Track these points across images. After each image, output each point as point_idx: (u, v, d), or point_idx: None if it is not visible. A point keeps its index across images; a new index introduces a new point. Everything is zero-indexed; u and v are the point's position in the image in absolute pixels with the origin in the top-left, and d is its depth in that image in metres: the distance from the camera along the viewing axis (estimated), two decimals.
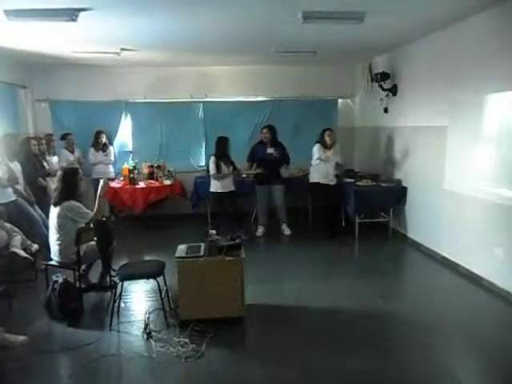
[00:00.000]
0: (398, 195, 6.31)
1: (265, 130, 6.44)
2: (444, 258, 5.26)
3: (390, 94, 6.57)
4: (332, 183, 6.31)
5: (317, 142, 6.26)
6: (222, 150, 6.09)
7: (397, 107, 6.50)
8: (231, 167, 6.15)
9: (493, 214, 4.38)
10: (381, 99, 6.81)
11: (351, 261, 5.66)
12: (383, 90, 6.58)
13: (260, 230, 6.65)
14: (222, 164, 6.04)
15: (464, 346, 3.44)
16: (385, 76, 6.47)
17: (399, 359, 3.23)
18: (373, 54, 6.84)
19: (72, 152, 6.92)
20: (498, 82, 4.21)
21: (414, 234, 6.12)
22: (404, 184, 6.32)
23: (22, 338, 3.44)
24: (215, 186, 6.15)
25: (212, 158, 6.10)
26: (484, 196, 4.50)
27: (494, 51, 4.28)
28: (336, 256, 5.68)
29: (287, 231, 6.65)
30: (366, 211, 6.55)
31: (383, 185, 6.44)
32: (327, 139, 6.19)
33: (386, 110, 6.79)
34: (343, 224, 7.02)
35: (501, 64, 4.17)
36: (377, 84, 6.65)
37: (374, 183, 6.51)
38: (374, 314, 3.99)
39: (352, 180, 6.73)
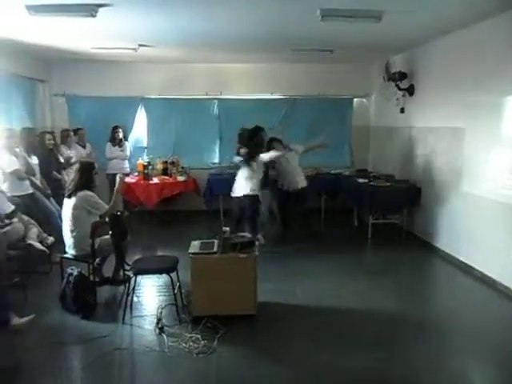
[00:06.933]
0: (412, 196, 6.24)
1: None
2: (458, 260, 5.19)
3: (407, 94, 6.50)
4: None
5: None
6: None
7: (413, 107, 6.43)
8: None
9: (510, 217, 4.32)
10: (397, 99, 6.74)
11: (363, 261, 5.63)
12: (400, 89, 6.51)
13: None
14: None
15: (477, 350, 3.39)
16: (402, 76, 6.41)
17: (410, 361, 3.21)
18: (390, 53, 6.77)
19: (83, 147, 7.00)
20: None
21: (428, 235, 6.04)
22: (418, 185, 6.25)
23: (27, 318, 3.50)
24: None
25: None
26: (502, 199, 4.42)
27: None
28: (348, 256, 5.64)
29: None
30: (380, 212, 6.50)
31: (397, 185, 6.38)
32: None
33: (402, 110, 6.72)
34: (356, 224, 6.99)
35: None
36: (393, 84, 6.59)
37: (388, 183, 6.45)
38: (386, 315, 3.97)
39: (366, 180, 6.68)
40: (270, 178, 6.02)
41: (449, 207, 5.46)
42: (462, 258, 5.15)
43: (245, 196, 5.30)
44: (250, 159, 5.31)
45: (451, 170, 5.37)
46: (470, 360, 3.30)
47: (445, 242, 5.57)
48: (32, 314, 3.56)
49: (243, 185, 5.33)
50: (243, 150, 5.51)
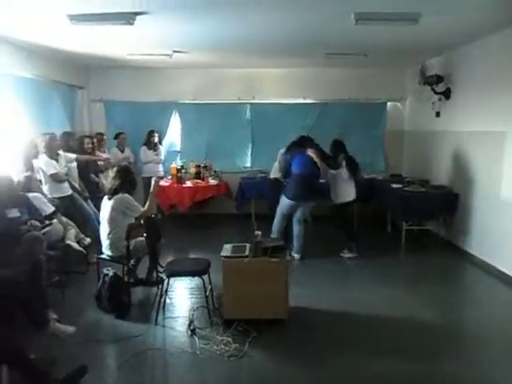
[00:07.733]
0: (448, 202, 6.05)
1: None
2: (499, 271, 4.99)
3: (443, 98, 6.34)
4: None
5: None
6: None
7: (450, 111, 6.27)
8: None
9: None
10: (433, 103, 6.60)
11: (396, 268, 5.50)
12: (436, 93, 6.37)
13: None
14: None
15: None
16: (438, 79, 6.26)
17: (445, 371, 3.11)
18: (426, 56, 6.63)
19: (122, 151, 7.18)
20: None
21: (464, 244, 5.84)
22: (455, 191, 6.07)
23: (71, 328, 3.57)
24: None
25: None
26: None
27: None
28: (381, 263, 5.54)
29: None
30: (414, 218, 6.35)
31: (433, 191, 6.22)
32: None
33: (437, 114, 6.57)
34: (389, 230, 6.86)
35: None
36: (429, 87, 6.45)
37: (423, 189, 6.29)
38: (420, 323, 3.87)
39: (400, 185, 6.55)
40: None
41: (487, 214, 5.27)
42: (501, 268, 4.96)
43: (354, 201, 5.74)
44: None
45: (491, 175, 5.19)
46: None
47: (482, 251, 5.38)
48: (73, 327, 3.59)
49: (351, 190, 5.65)
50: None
